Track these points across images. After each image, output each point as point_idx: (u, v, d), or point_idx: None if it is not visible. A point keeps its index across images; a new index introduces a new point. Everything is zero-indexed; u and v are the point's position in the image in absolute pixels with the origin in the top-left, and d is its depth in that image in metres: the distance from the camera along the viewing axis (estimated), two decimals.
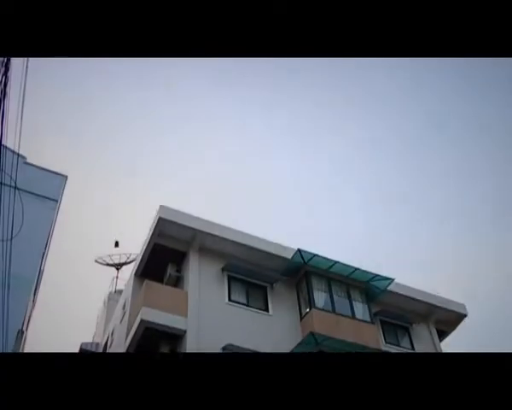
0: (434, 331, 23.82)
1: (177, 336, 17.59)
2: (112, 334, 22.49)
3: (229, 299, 18.95)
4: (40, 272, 24.43)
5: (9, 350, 17.10)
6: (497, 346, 67.50)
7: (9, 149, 12.12)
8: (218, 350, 17.10)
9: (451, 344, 27.54)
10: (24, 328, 21.81)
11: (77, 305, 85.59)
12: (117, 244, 29.16)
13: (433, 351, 22.94)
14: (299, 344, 18.03)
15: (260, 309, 19.29)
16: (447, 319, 24.45)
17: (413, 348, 22.25)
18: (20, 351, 22.66)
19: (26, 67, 9.04)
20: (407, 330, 22.88)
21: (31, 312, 25.19)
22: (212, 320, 17.94)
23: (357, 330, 19.53)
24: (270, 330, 18.76)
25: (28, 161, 23.51)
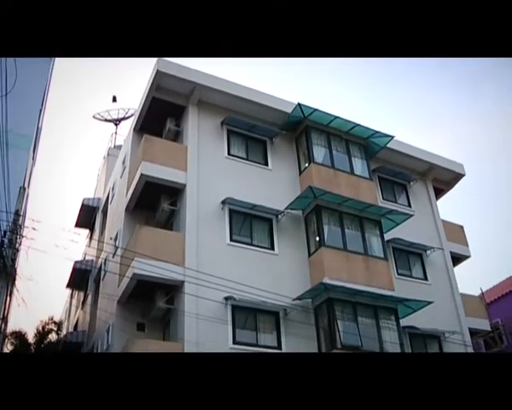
0: (431, 189, 24.15)
1: (177, 190, 17.79)
2: (112, 189, 22.72)
3: (229, 153, 18.90)
4: (38, 129, 24.22)
5: (13, 207, 17.31)
6: (491, 206, 68.79)
7: None
8: (217, 204, 17.36)
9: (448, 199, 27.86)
10: (25, 185, 21.97)
11: (77, 161, 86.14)
12: (115, 99, 28.60)
13: (429, 208, 23.37)
14: (298, 198, 18.24)
15: (260, 163, 19.32)
16: (445, 178, 24.74)
17: (409, 205, 22.62)
18: (23, 207, 23.01)
19: None
20: (405, 188, 23.16)
21: (31, 169, 25.28)
22: (211, 174, 18.03)
23: (356, 185, 19.70)
24: (270, 185, 18.93)
25: None
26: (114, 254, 18.45)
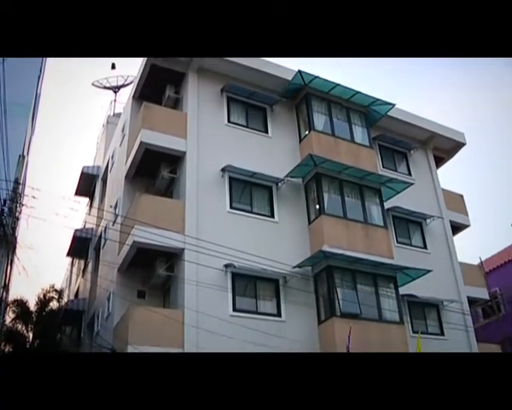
0: (432, 158, 24.05)
1: (176, 158, 17.72)
2: (112, 157, 22.63)
3: (229, 120, 18.75)
4: (37, 96, 24.02)
5: (12, 175, 17.25)
6: (492, 177, 68.76)
7: None
8: (217, 171, 17.31)
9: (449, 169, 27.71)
10: (25, 153, 21.86)
11: (76, 129, 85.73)
12: (113, 66, 28.24)
13: (429, 177, 23.30)
14: (298, 166, 18.16)
15: (260, 131, 19.18)
16: (446, 146, 24.64)
17: (410, 173, 22.55)
18: (23, 176, 22.94)
19: None
20: (405, 156, 23.06)
21: (30, 137, 25.14)
22: (211, 142, 17.92)
23: (356, 153, 19.60)
24: (270, 152, 18.82)
25: None
26: (114, 222, 18.46)
